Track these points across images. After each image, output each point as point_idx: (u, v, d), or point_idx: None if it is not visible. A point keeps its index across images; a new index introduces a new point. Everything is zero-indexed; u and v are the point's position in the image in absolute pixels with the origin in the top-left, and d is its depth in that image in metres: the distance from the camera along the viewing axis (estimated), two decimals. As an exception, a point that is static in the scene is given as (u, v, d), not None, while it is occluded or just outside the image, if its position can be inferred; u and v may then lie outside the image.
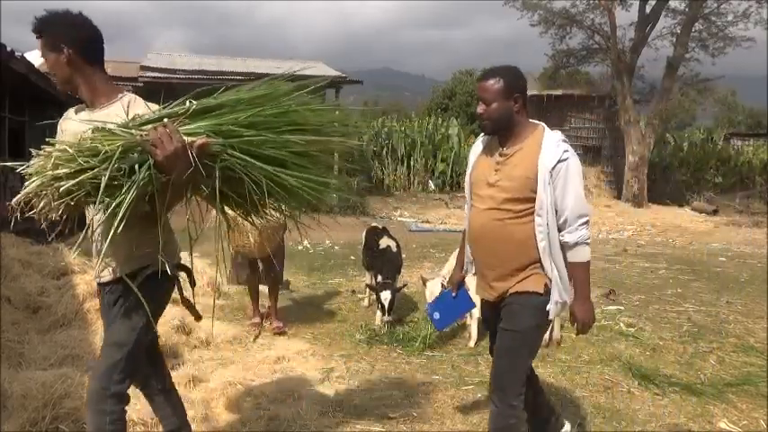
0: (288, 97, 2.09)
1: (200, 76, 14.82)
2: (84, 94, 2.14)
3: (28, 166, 1.78)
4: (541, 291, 2.38)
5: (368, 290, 5.66)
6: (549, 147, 2.32)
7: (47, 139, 1.86)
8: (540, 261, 2.38)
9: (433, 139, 24.76)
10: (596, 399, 3.65)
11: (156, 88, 15.20)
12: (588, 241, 2.36)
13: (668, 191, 20.38)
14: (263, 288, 5.22)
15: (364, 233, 5.97)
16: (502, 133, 2.43)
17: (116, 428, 2.12)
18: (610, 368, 4.16)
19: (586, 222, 2.35)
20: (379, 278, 5.13)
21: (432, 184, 23.92)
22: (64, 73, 2.10)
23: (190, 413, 2.92)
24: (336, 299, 6.23)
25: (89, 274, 4.51)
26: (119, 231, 1.76)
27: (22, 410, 2.78)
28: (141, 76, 16.19)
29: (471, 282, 3.69)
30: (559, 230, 2.35)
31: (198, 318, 2.41)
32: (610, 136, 20.96)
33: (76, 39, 2.07)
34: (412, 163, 24.17)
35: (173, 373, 3.54)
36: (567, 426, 2.94)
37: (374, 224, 6.43)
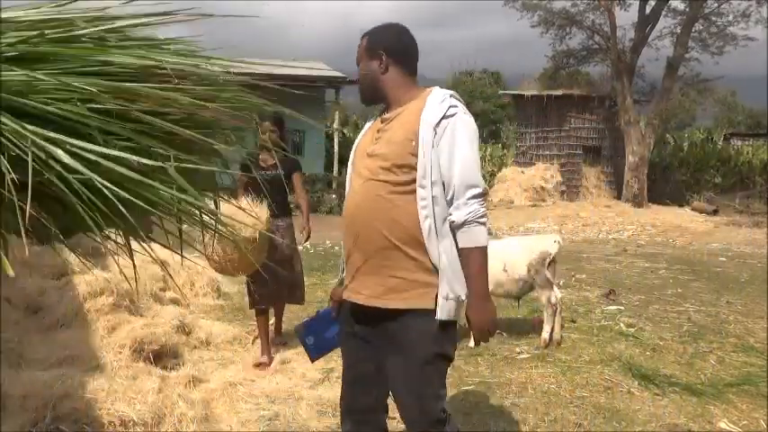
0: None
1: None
2: None
3: None
4: (432, 305, 1.90)
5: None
6: (433, 103, 1.93)
7: None
8: (424, 246, 1.89)
9: (433, 139, 24.77)
10: (596, 399, 3.65)
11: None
12: (482, 220, 1.88)
13: (668, 191, 20.37)
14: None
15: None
16: (381, 100, 2.07)
17: None
18: (610, 368, 4.16)
19: (479, 196, 1.88)
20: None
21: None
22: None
23: (190, 413, 2.92)
24: (336, 299, 6.22)
25: (89, 274, 4.51)
26: None
27: (22, 410, 2.78)
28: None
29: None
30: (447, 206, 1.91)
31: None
32: (610, 136, 20.95)
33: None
34: (412, 163, 24.18)
35: (173, 374, 3.56)
36: None
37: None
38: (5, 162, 1.07)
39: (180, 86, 1.30)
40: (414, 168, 1.88)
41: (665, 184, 20.80)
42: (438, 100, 1.92)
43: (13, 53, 1.18)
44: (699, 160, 21.70)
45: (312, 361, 2.40)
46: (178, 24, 1.41)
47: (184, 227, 1.46)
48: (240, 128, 1.54)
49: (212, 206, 1.49)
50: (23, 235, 1.09)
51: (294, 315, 5.00)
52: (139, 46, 1.34)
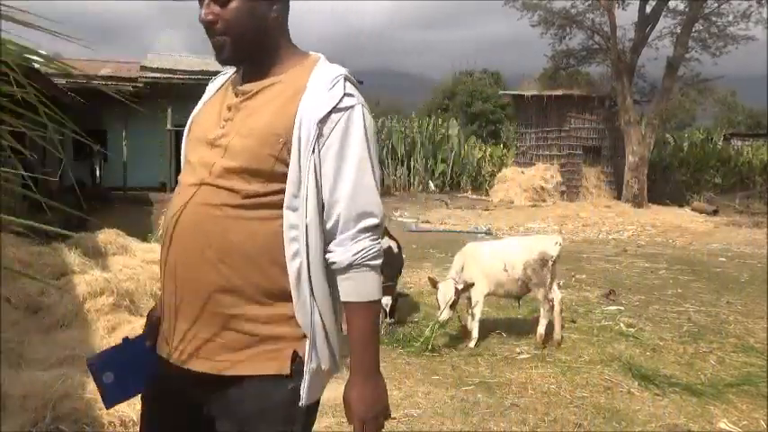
0: None
1: (199, 77, 14.81)
2: None
3: None
4: (286, 370, 1.27)
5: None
6: (321, 84, 1.28)
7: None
8: (287, 293, 1.27)
9: (432, 139, 24.78)
10: (596, 399, 3.65)
11: (156, 89, 15.22)
12: (374, 263, 1.28)
13: (668, 191, 20.39)
14: None
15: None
16: (253, 61, 1.35)
17: None
18: (610, 368, 4.16)
19: (373, 229, 1.29)
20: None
21: (432, 185, 23.92)
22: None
23: (190, 413, 2.92)
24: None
25: (89, 274, 4.52)
26: None
27: (22, 411, 2.78)
28: (141, 77, 16.18)
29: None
30: (327, 241, 1.29)
31: None
32: (610, 136, 20.97)
33: None
34: (412, 163, 24.19)
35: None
36: None
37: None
38: None
39: None
40: (279, 180, 1.26)
41: (665, 185, 20.81)
42: (327, 80, 1.28)
43: None
44: (699, 160, 21.72)
45: (108, 407, 1.67)
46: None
47: None
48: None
49: None
50: None
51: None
52: None
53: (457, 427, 3.25)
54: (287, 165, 1.25)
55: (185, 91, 13.11)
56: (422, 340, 4.53)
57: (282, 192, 1.26)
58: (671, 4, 18.93)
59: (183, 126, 1.50)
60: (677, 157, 22.09)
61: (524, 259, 4.57)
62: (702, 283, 7.49)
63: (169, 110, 15.43)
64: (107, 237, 5.53)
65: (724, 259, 9.77)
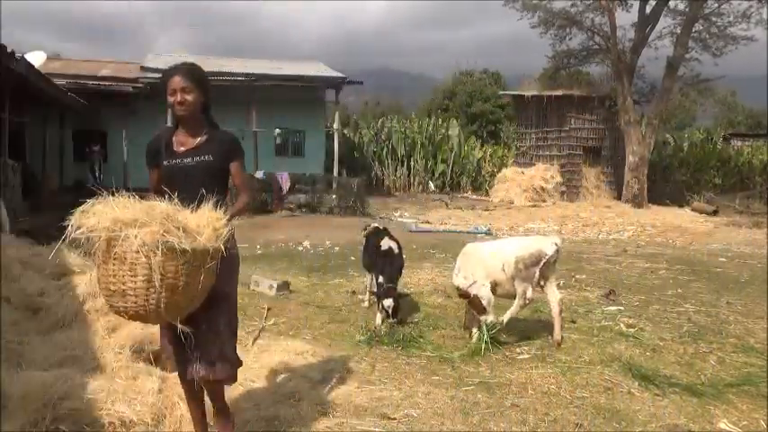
0: None
1: (200, 77, 14.82)
2: None
3: None
4: None
5: (368, 291, 5.65)
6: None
7: None
8: None
9: (433, 139, 24.79)
10: (596, 399, 3.65)
11: (156, 89, 15.22)
12: None
13: (668, 191, 20.41)
14: None
15: (365, 234, 5.96)
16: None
17: None
18: (610, 369, 4.16)
19: None
20: (380, 279, 5.12)
21: (432, 185, 23.92)
22: None
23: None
24: (336, 299, 6.23)
25: (89, 274, 4.51)
26: None
27: (22, 411, 2.77)
28: (141, 77, 16.19)
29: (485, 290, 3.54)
30: None
31: None
32: (610, 136, 20.98)
33: None
34: (412, 164, 24.19)
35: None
36: None
37: (375, 225, 6.43)
38: None
39: None
40: None
41: (665, 185, 20.83)
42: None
43: None
44: (699, 160, 21.73)
45: None
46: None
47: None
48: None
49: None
50: None
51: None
52: None
53: (457, 427, 3.25)
54: None
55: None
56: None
57: None
58: (671, 5, 18.97)
59: None
60: (677, 158, 22.10)
61: (517, 254, 4.57)
62: (702, 284, 7.49)
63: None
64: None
65: (724, 259, 9.77)
